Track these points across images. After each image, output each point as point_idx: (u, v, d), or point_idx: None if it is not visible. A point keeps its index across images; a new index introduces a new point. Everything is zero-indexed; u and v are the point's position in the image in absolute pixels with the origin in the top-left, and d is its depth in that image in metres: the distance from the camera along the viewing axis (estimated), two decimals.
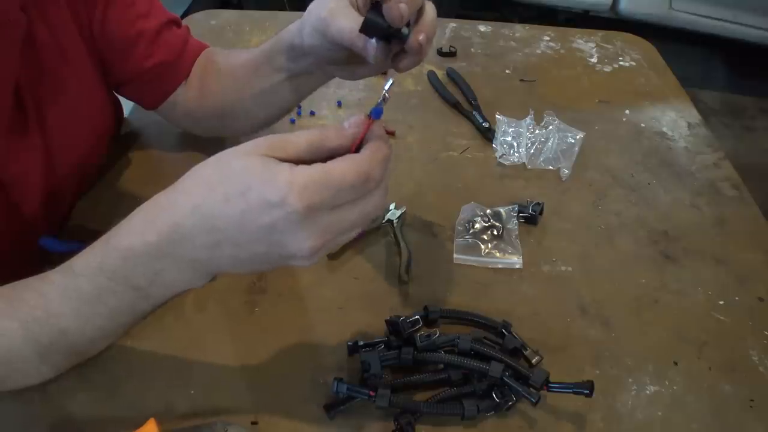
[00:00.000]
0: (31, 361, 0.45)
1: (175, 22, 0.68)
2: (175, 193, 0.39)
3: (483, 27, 1.08)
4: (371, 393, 0.49)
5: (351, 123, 0.40)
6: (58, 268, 0.44)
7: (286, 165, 0.36)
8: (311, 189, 0.35)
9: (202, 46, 0.71)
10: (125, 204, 0.69)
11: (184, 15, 1.20)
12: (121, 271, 0.41)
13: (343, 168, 0.36)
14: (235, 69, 0.68)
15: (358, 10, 0.50)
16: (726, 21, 2.39)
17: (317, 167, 0.36)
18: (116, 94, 0.71)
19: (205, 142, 0.78)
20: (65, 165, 0.61)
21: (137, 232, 0.40)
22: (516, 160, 0.79)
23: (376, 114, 0.40)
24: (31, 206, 0.59)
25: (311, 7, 0.53)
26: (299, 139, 0.38)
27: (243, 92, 0.67)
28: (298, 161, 0.37)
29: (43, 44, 0.56)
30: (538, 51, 1.03)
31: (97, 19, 0.61)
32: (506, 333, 0.56)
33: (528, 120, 0.82)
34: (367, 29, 0.46)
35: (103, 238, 0.43)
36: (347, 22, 0.48)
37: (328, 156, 0.38)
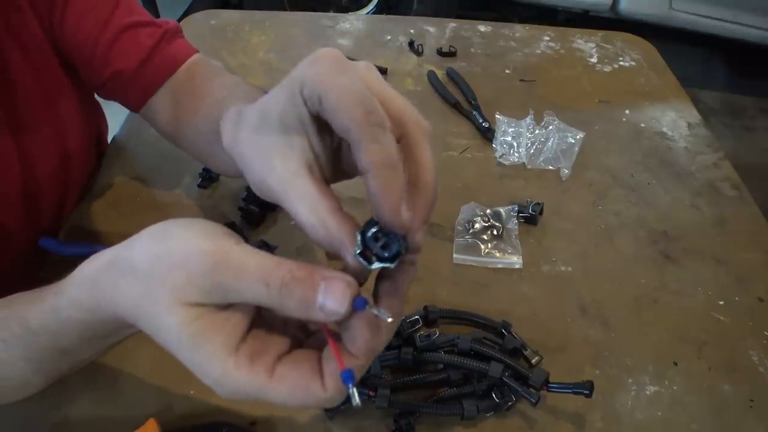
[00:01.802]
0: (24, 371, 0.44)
1: (146, 25, 0.61)
2: (115, 288, 0.34)
3: (483, 27, 1.08)
4: (371, 393, 0.49)
5: (326, 305, 0.30)
6: (13, 317, 0.40)
7: (221, 361, 0.30)
8: (242, 393, 0.31)
9: (183, 53, 0.62)
10: (124, 204, 0.70)
11: (185, 15, 1.20)
12: (82, 333, 0.38)
13: (290, 386, 0.31)
14: (198, 109, 0.57)
15: (321, 174, 0.36)
16: (726, 21, 2.40)
17: (259, 378, 0.31)
18: (98, 100, 0.70)
19: None
20: (44, 172, 0.60)
21: (86, 308, 0.36)
22: (516, 160, 0.79)
23: (360, 304, 0.31)
24: (8, 214, 0.58)
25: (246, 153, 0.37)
26: (252, 290, 0.30)
27: (198, 139, 0.57)
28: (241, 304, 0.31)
29: (8, 50, 0.55)
30: (538, 51, 1.03)
31: (56, 23, 0.58)
32: (506, 333, 0.56)
33: (528, 120, 0.82)
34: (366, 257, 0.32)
35: (53, 293, 0.38)
36: (307, 212, 0.33)
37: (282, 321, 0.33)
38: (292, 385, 0.31)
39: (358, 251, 0.32)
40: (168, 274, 0.31)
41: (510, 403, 0.51)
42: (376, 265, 0.32)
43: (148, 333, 0.33)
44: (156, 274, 0.32)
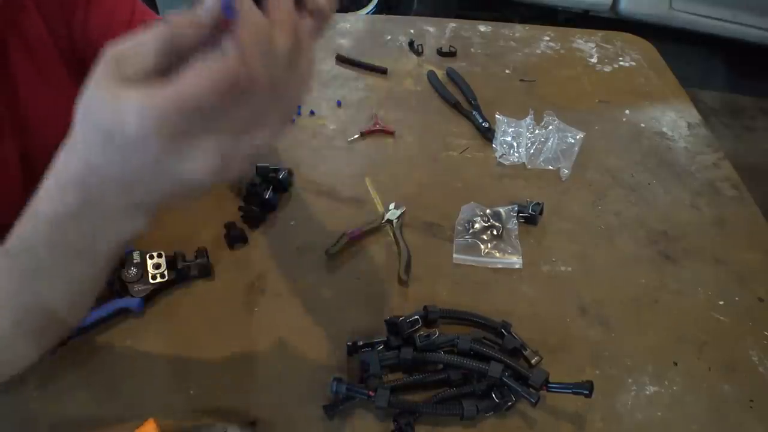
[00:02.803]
0: (15, 339, 0.44)
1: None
2: (67, 153, 0.37)
3: (483, 27, 1.08)
4: (370, 393, 0.49)
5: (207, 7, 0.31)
6: None
7: (133, 95, 0.31)
8: (169, 113, 0.31)
9: None
10: None
11: None
12: (54, 237, 0.39)
13: (198, 82, 0.30)
14: None
15: None
16: (726, 21, 2.39)
17: (169, 91, 0.30)
18: None
19: None
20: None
21: (56, 198, 0.38)
22: (516, 160, 0.79)
23: (227, 11, 0.31)
24: (10, 215, 0.58)
25: None
26: (146, 48, 0.32)
27: None
28: (150, 74, 0.32)
29: (12, 50, 0.55)
30: (538, 51, 1.03)
31: (78, 24, 0.60)
32: (506, 333, 0.56)
33: (528, 120, 0.82)
34: None
35: (30, 210, 0.40)
36: None
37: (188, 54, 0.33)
38: (205, 68, 0.30)
39: None
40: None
41: (510, 403, 0.51)
42: None
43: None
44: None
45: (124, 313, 0.57)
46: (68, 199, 0.38)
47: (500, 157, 0.80)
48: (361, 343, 0.56)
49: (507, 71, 0.98)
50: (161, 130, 0.31)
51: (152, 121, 0.30)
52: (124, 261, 0.59)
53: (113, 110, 0.31)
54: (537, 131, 0.81)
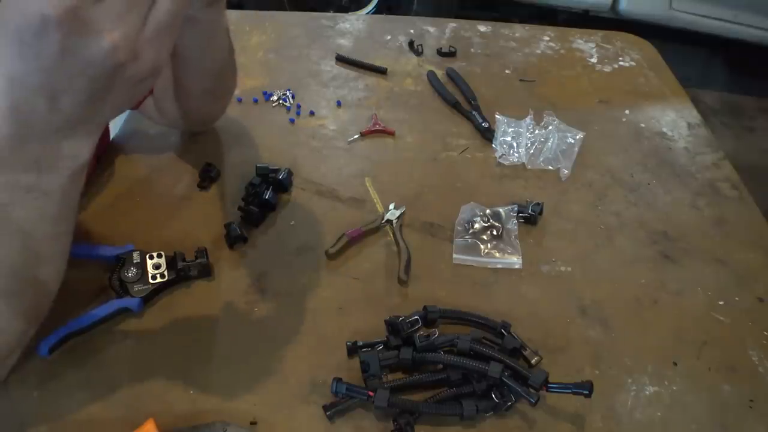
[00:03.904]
0: None
1: None
2: None
3: (483, 27, 1.08)
4: (370, 393, 0.49)
5: None
6: None
7: None
8: None
9: None
10: (123, 204, 0.70)
11: None
12: (3, 177, 0.39)
13: None
14: None
15: None
16: (726, 21, 2.39)
17: None
18: None
19: (200, 142, 0.78)
20: None
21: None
22: (516, 160, 0.79)
23: None
24: None
25: None
26: None
27: None
28: None
29: None
30: (538, 51, 1.03)
31: None
32: (505, 333, 0.56)
33: (528, 120, 0.82)
34: None
35: None
36: None
37: None
38: None
39: None
40: None
41: (509, 404, 0.51)
42: None
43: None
44: None
45: (123, 313, 0.57)
46: (4, 128, 0.38)
47: (500, 157, 0.80)
48: (360, 343, 0.56)
49: (507, 71, 0.98)
50: (56, 7, 0.32)
51: (50, 3, 0.32)
52: (123, 261, 0.59)
53: (19, 10, 0.33)
54: (537, 131, 0.81)
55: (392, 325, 0.56)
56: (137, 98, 0.42)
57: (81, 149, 0.41)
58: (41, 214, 0.42)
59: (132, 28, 0.35)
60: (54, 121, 0.38)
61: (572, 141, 0.80)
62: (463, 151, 0.81)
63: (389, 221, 0.69)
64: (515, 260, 0.66)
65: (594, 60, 1.02)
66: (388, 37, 1.03)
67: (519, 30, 1.08)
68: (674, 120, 0.90)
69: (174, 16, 0.37)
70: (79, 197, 0.45)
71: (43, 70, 0.35)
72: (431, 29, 1.06)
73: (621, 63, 1.02)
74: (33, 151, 0.39)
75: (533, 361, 0.55)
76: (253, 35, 1.02)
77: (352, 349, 0.56)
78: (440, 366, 0.54)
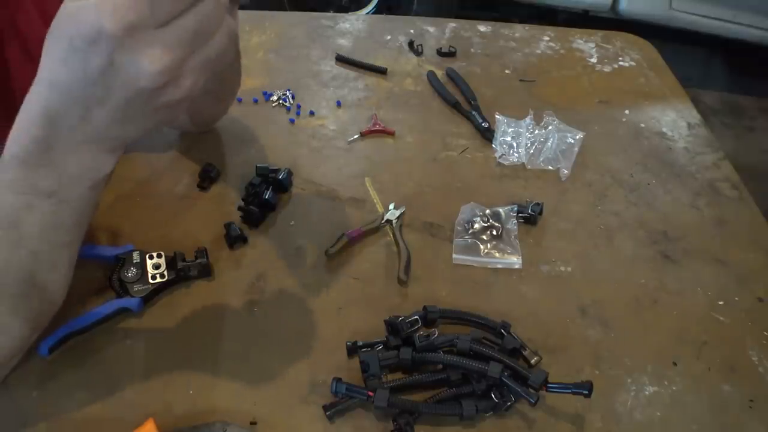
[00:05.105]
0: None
1: None
2: (32, 87, 0.38)
3: (483, 27, 1.08)
4: (370, 393, 0.49)
5: None
6: None
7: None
8: (123, 7, 0.32)
9: None
10: (124, 204, 0.70)
11: None
12: (25, 180, 0.40)
13: None
14: None
15: None
16: (726, 21, 2.39)
17: None
18: None
19: (200, 142, 0.78)
20: None
21: (24, 133, 0.39)
22: (515, 160, 0.79)
23: None
24: None
25: None
26: None
27: None
28: None
29: (8, 48, 0.55)
30: (538, 51, 1.03)
31: None
32: (505, 333, 0.56)
33: (527, 120, 0.82)
34: None
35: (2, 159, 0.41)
36: None
37: None
38: None
39: None
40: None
41: (509, 404, 0.51)
42: None
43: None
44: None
45: (123, 313, 0.57)
46: (35, 131, 0.38)
47: (500, 157, 0.80)
48: (360, 343, 0.56)
49: (507, 71, 0.98)
50: (115, 22, 0.32)
51: (107, 13, 0.32)
52: (123, 261, 0.59)
53: (74, 15, 0.33)
54: (537, 131, 0.81)
55: (392, 325, 0.56)
56: (164, 122, 0.42)
57: (104, 163, 0.41)
58: (56, 221, 0.43)
59: (182, 57, 0.35)
60: (83, 131, 0.38)
61: (572, 141, 0.80)
62: (463, 151, 0.81)
63: (389, 221, 0.69)
64: (515, 260, 0.66)
65: (594, 60, 1.02)
66: (388, 37, 1.03)
67: (519, 30, 1.08)
68: (674, 120, 0.90)
69: (223, 54, 0.37)
70: (95, 209, 0.45)
71: (86, 81, 0.35)
72: (431, 29, 1.06)
73: (621, 63, 1.02)
74: (57, 158, 0.39)
75: (533, 361, 0.55)
76: (253, 35, 1.02)
77: (352, 349, 0.56)
78: (440, 366, 0.54)
